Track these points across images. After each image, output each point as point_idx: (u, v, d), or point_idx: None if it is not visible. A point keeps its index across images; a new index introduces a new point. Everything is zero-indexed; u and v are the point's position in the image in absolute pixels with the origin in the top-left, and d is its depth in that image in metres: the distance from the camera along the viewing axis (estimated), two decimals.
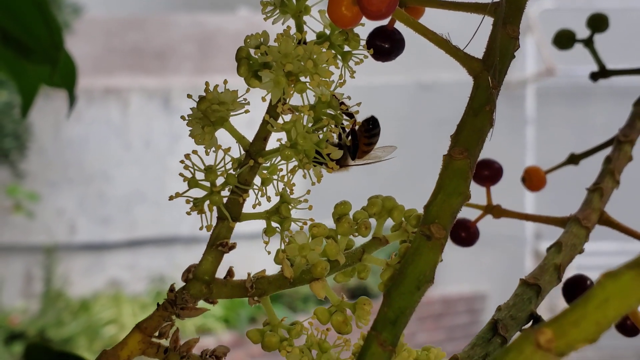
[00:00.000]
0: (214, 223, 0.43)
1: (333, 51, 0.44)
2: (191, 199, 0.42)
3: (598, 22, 0.61)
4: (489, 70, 0.42)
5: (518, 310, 0.46)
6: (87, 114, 5.95)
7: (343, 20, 0.42)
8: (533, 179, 0.60)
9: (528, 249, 5.85)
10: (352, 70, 0.45)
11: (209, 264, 0.43)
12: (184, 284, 0.43)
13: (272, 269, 0.45)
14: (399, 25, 0.45)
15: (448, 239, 0.50)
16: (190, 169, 0.42)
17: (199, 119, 0.42)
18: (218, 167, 0.42)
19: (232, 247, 0.43)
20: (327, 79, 0.42)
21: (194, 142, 0.43)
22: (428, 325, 5.93)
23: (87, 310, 5.31)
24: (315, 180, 0.43)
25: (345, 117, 0.44)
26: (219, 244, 0.43)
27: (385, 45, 0.45)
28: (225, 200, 0.43)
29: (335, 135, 0.44)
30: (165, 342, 0.43)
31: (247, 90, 0.43)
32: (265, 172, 0.43)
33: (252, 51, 0.43)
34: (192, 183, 0.42)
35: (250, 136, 0.44)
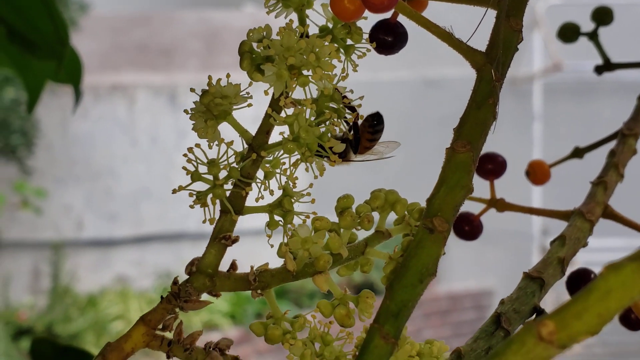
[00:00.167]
0: (217, 216, 0.43)
1: (336, 45, 0.44)
2: (194, 193, 0.42)
3: (602, 15, 0.61)
4: (492, 63, 0.42)
5: (521, 304, 0.46)
6: (94, 110, 5.96)
7: (345, 13, 0.42)
8: (537, 173, 0.60)
9: (535, 244, 5.84)
10: (354, 63, 0.45)
11: (212, 257, 0.43)
12: (188, 277, 0.43)
13: (278, 264, 0.45)
14: (401, 19, 0.45)
15: (451, 232, 0.50)
16: (193, 162, 0.42)
17: (202, 113, 0.43)
18: (221, 160, 0.42)
19: (235, 240, 0.43)
20: (330, 72, 0.42)
21: (197, 135, 0.43)
22: (434, 322, 5.93)
23: (94, 306, 5.32)
24: (317, 174, 0.43)
25: (347, 110, 0.44)
26: (222, 237, 0.43)
27: (388, 39, 0.45)
28: (228, 193, 0.43)
29: (338, 129, 0.44)
30: (169, 335, 0.43)
31: (250, 84, 0.43)
32: (268, 165, 0.43)
33: (254, 45, 0.43)
34: (195, 176, 0.42)
35: (254, 131, 0.44)
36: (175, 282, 0.43)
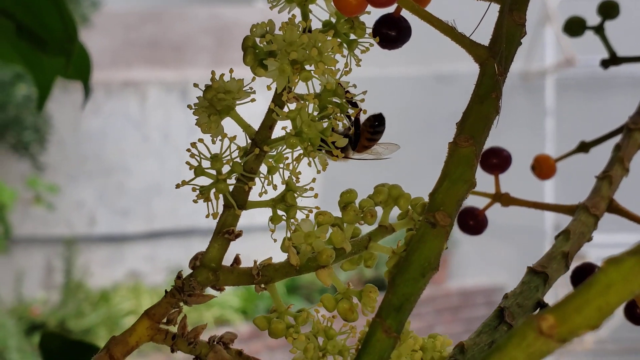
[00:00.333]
0: (220, 211, 0.43)
1: (338, 39, 0.44)
2: (198, 187, 0.42)
3: (608, 9, 0.61)
4: (495, 57, 0.42)
5: (525, 298, 0.46)
6: (106, 107, 5.98)
7: (348, 8, 0.42)
8: (543, 167, 0.59)
9: (547, 240, 5.83)
10: (358, 58, 0.45)
11: (215, 252, 0.43)
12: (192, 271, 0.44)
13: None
14: (404, 13, 0.45)
15: (456, 227, 0.50)
16: (196, 157, 0.42)
17: (206, 108, 0.43)
18: (224, 155, 0.43)
19: (239, 234, 0.43)
20: (332, 67, 0.42)
21: (201, 130, 0.43)
22: (446, 318, 5.93)
23: (106, 301, 5.34)
24: (320, 169, 0.43)
25: (350, 105, 0.44)
26: (225, 232, 0.43)
27: (392, 33, 0.45)
28: (231, 188, 0.43)
29: (340, 124, 0.44)
30: (173, 329, 0.43)
31: (253, 79, 0.43)
32: (271, 160, 0.44)
33: (258, 40, 0.43)
34: (199, 171, 0.42)
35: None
36: (179, 276, 0.43)
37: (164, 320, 0.43)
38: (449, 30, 0.42)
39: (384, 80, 6.10)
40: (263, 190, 0.44)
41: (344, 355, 0.43)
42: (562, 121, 6.26)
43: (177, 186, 0.42)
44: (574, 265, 0.52)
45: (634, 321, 0.53)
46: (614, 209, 0.52)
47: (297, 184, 0.44)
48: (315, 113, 0.43)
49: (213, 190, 0.42)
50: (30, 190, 5.40)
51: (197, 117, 0.43)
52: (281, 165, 0.44)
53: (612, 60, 0.61)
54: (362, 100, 0.45)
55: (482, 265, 6.22)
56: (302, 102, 0.42)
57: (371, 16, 0.46)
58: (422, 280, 0.39)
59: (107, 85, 5.96)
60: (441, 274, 6.43)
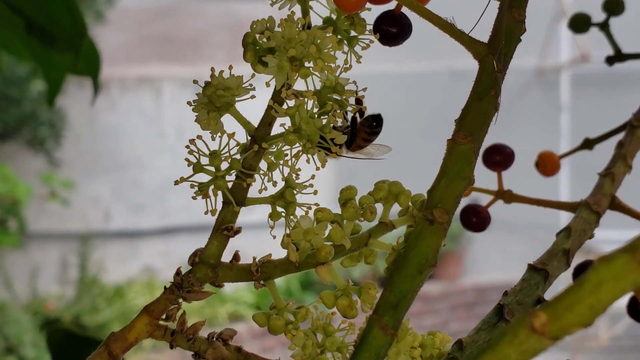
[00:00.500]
0: (219, 208, 0.43)
1: (339, 36, 0.44)
2: (196, 184, 0.42)
3: (613, 6, 0.60)
4: (495, 54, 0.42)
5: (525, 296, 0.46)
6: (121, 103, 6.00)
7: (347, 5, 0.42)
8: (547, 164, 0.59)
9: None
10: (358, 55, 0.45)
11: (214, 248, 0.43)
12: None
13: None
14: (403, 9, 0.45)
15: (463, 224, 0.50)
16: (194, 153, 0.42)
17: (205, 104, 0.43)
18: (223, 152, 0.43)
19: (237, 231, 0.43)
20: (331, 64, 0.42)
21: (200, 127, 0.43)
22: (460, 314, 5.92)
23: (121, 297, 5.36)
24: (319, 165, 0.43)
25: (350, 102, 0.44)
26: (224, 229, 0.43)
27: (393, 30, 0.45)
28: (230, 185, 0.43)
29: (340, 121, 0.44)
30: (173, 325, 0.44)
31: (252, 76, 0.43)
32: (271, 157, 0.44)
33: (258, 37, 0.43)
34: (197, 168, 0.42)
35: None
36: (178, 272, 0.43)
37: (163, 316, 0.43)
38: (448, 27, 0.42)
39: (399, 76, 6.09)
40: (263, 186, 0.44)
41: (342, 352, 0.43)
42: (577, 117, 6.23)
43: (176, 183, 0.43)
44: (577, 262, 0.52)
45: (637, 318, 0.53)
46: (616, 206, 0.51)
47: (296, 181, 0.44)
48: (316, 110, 0.43)
49: (211, 187, 0.42)
50: (45, 186, 5.43)
51: (196, 113, 0.43)
52: (281, 162, 0.44)
53: (617, 56, 0.61)
54: (362, 97, 0.45)
55: (497, 262, 6.20)
56: (301, 99, 0.42)
57: (372, 13, 0.46)
58: (419, 277, 0.39)
59: (122, 82, 5.98)
60: (456, 270, 6.41)
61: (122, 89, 5.97)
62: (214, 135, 0.43)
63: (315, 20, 0.45)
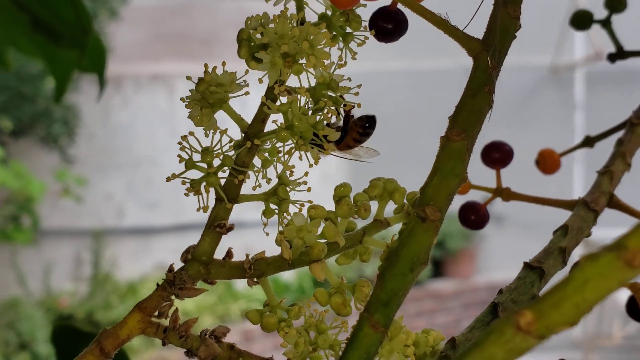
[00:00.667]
0: (212, 205, 0.43)
1: (334, 33, 0.44)
2: (188, 180, 0.42)
3: (615, 3, 0.60)
4: (489, 51, 0.41)
5: (520, 294, 0.46)
6: (135, 100, 6.01)
7: (341, 1, 0.42)
8: (547, 162, 0.59)
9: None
10: (353, 51, 0.45)
11: (207, 245, 0.43)
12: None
13: None
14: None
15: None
16: (186, 150, 0.42)
17: (198, 101, 0.43)
18: (216, 148, 0.43)
19: (230, 228, 0.43)
20: (324, 60, 0.41)
21: (193, 123, 0.43)
22: (474, 312, 5.90)
23: (134, 293, 5.38)
24: (312, 162, 0.43)
25: (344, 100, 0.44)
26: (217, 225, 0.43)
27: (389, 26, 0.45)
28: (223, 182, 0.43)
29: (334, 118, 0.44)
30: (165, 322, 0.44)
31: (246, 72, 0.43)
32: (266, 154, 0.43)
33: (252, 33, 0.43)
34: (189, 164, 0.42)
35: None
36: (170, 269, 0.43)
37: (156, 313, 0.43)
38: (441, 23, 0.42)
39: (414, 73, 6.07)
40: (257, 183, 0.44)
41: (335, 349, 0.43)
42: (591, 115, 6.20)
43: (168, 179, 0.43)
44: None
45: (636, 317, 0.52)
46: (615, 204, 0.51)
47: (290, 178, 0.44)
48: (310, 106, 0.43)
49: (203, 183, 0.42)
50: (59, 182, 5.45)
51: (189, 110, 0.43)
52: (275, 159, 0.43)
53: (619, 54, 0.60)
54: (357, 94, 0.44)
55: (510, 260, 6.17)
56: (294, 95, 0.42)
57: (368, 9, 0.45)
58: (410, 275, 0.39)
59: (135, 79, 5.99)
60: (469, 268, 6.40)
61: (135, 86, 5.98)
62: (207, 132, 0.43)
63: (313, 17, 0.45)
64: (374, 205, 0.45)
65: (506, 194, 0.55)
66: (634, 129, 0.52)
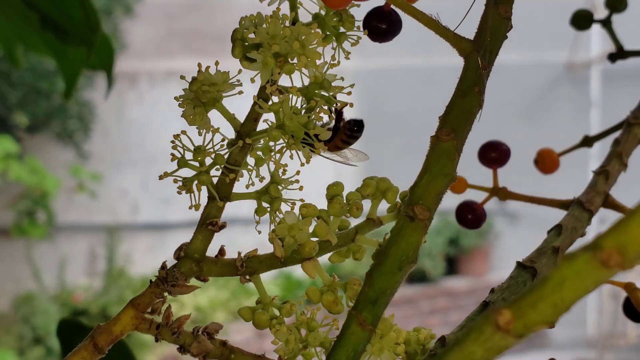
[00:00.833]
0: (204, 203, 0.44)
1: (327, 32, 0.45)
2: (180, 179, 0.43)
3: (616, 2, 0.60)
4: (480, 51, 0.42)
5: (511, 293, 0.46)
6: (150, 96, 6.03)
7: (333, 1, 0.42)
8: (546, 162, 0.59)
9: (590, 234, 5.75)
10: (346, 51, 0.45)
11: (199, 243, 0.44)
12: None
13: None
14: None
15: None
16: (179, 148, 0.43)
17: (191, 100, 0.43)
18: (209, 147, 0.43)
19: (222, 226, 0.44)
20: (315, 60, 0.42)
21: (187, 122, 0.43)
22: None
23: None
24: (304, 161, 0.43)
25: (337, 100, 0.44)
26: (209, 223, 0.44)
27: (382, 26, 0.45)
28: (216, 180, 0.43)
29: (327, 117, 0.44)
30: (158, 319, 0.44)
31: (239, 72, 0.43)
32: (259, 153, 0.44)
33: (245, 32, 0.43)
34: (182, 163, 0.43)
35: None
36: (163, 266, 0.44)
37: (149, 309, 0.44)
38: (432, 24, 0.42)
39: (430, 70, 6.06)
40: (250, 182, 0.44)
41: (326, 347, 0.44)
42: (607, 112, 6.18)
43: (160, 177, 0.43)
44: None
45: (633, 318, 0.53)
46: (610, 204, 0.51)
47: (282, 176, 0.44)
48: (303, 105, 0.43)
49: (195, 181, 0.43)
50: (73, 178, 5.48)
51: (182, 109, 0.43)
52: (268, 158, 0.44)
53: (620, 53, 0.60)
54: (349, 93, 0.45)
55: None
56: (285, 94, 0.42)
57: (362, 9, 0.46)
58: (399, 273, 0.39)
59: (150, 75, 6.01)
60: (483, 266, 6.39)
61: (150, 82, 6.00)
62: (201, 131, 0.43)
63: (308, 18, 0.45)
64: (366, 204, 0.46)
65: (502, 194, 0.55)
66: (631, 129, 0.52)
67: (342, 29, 0.45)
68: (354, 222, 0.46)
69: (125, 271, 5.52)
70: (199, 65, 0.43)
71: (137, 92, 6.00)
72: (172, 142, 0.43)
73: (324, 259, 0.46)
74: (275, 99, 0.43)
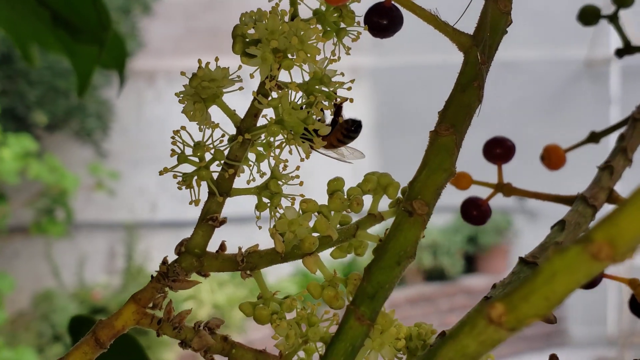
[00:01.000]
0: (203, 198, 0.44)
1: (328, 28, 0.45)
2: (180, 174, 0.43)
3: None
4: (479, 46, 0.42)
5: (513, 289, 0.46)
6: (168, 94, 6.05)
7: None
8: (552, 158, 0.59)
9: None
10: (347, 47, 0.45)
11: (199, 238, 0.44)
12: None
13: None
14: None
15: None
16: (179, 144, 0.43)
17: (191, 96, 0.43)
18: (209, 143, 0.43)
19: (223, 221, 0.44)
20: (314, 56, 0.42)
21: (187, 118, 0.43)
22: None
23: None
24: (304, 157, 0.43)
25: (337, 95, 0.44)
26: (209, 219, 0.44)
27: (383, 22, 0.45)
28: (216, 176, 0.44)
29: (328, 113, 0.44)
30: (159, 314, 0.44)
31: (239, 68, 0.44)
32: (260, 148, 0.44)
33: (245, 29, 0.44)
34: (182, 158, 0.43)
35: None
36: (164, 262, 0.44)
37: (150, 305, 0.44)
38: (431, 19, 0.42)
39: (447, 67, 6.02)
40: (251, 177, 0.44)
41: (326, 342, 0.44)
42: (626, 109, 6.10)
43: (161, 173, 0.43)
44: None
45: (638, 314, 0.52)
46: (615, 199, 0.51)
47: (282, 172, 0.44)
48: (303, 100, 0.43)
49: (195, 177, 0.43)
50: (92, 176, 5.50)
51: (182, 104, 0.43)
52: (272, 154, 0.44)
53: (626, 49, 0.60)
54: (350, 89, 0.45)
55: None
56: (285, 90, 0.42)
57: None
58: (397, 268, 0.40)
59: (168, 73, 6.03)
60: (502, 264, 6.36)
61: (168, 80, 6.02)
62: (201, 127, 0.44)
63: (309, 14, 0.45)
64: (367, 199, 0.46)
65: (507, 190, 0.55)
66: (636, 124, 0.52)
67: (342, 25, 0.45)
68: (355, 217, 0.46)
69: (144, 269, 5.54)
70: (199, 61, 0.43)
71: (155, 90, 6.02)
72: (172, 137, 0.43)
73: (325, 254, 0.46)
74: (274, 94, 0.43)
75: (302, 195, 0.44)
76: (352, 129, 0.52)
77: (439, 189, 0.40)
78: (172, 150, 0.43)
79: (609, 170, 0.51)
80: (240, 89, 0.44)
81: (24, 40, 1.11)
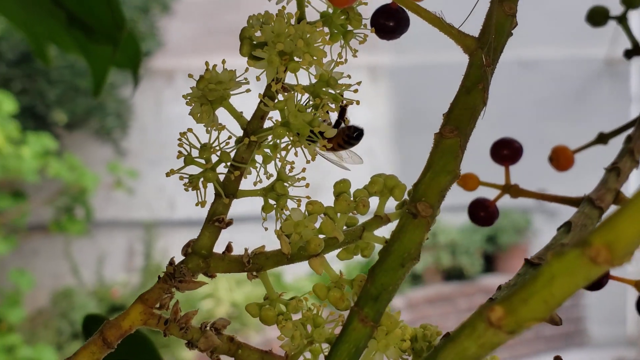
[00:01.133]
0: (209, 200, 0.44)
1: (335, 31, 0.45)
2: (186, 176, 0.43)
3: None
4: (484, 48, 0.42)
5: None
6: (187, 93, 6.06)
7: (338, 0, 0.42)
8: (560, 159, 0.58)
9: None
10: (353, 49, 0.45)
11: (206, 239, 0.44)
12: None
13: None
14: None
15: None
16: (185, 146, 0.43)
17: (198, 98, 0.44)
18: (215, 144, 0.43)
19: (229, 223, 0.44)
20: (320, 58, 0.42)
21: (194, 120, 0.44)
22: None
23: None
24: (309, 159, 0.44)
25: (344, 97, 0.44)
26: (216, 220, 0.44)
27: (390, 24, 0.45)
28: (223, 178, 0.44)
29: (334, 115, 0.45)
30: (166, 314, 0.45)
31: (246, 70, 0.44)
32: (267, 150, 0.44)
33: (252, 31, 0.44)
34: (188, 160, 0.43)
35: None
36: (171, 262, 0.44)
37: (157, 305, 0.44)
38: (436, 21, 0.42)
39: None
40: (258, 179, 0.45)
41: (331, 343, 0.44)
42: None
43: (167, 174, 0.44)
44: None
45: None
46: (621, 201, 0.51)
47: (288, 174, 0.45)
48: (309, 103, 0.43)
49: (201, 179, 0.43)
50: (111, 175, 5.53)
51: (190, 107, 0.44)
52: (278, 155, 0.44)
53: (635, 50, 0.60)
54: (356, 91, 0.45)
55: None
56: (290, 92, 0.43)
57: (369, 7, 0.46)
58: (401, 270, 0.40)
59: (187, 73, 6.04)
60: (521, 263, 6.33)
61: (187, 79, 6.02)
62: (208, 129, 0.44)
63: (316, 16, 0.45)
64: (374, 201, 0.46)
65: (514, 191, 0.55)
66: None
67: (349, 27, 0.45)
68: (362, 219, 0.46)
69: (163, 267, 5.55)
70: (206, 63, 0.44)
71: (174, 89, 6.04)
72: (179, 139, 0.43)
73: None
74: (280, 97, 0.43)
75: (308, 197, 0.44)
76: (353, 136, 0.52)
77: (443, 191, 0.41)
78: (179, 152, 0.43)
79: (616, 171, 0.51)
80: (248, 91, 0.44)
81: (40, 41, 1.12)
